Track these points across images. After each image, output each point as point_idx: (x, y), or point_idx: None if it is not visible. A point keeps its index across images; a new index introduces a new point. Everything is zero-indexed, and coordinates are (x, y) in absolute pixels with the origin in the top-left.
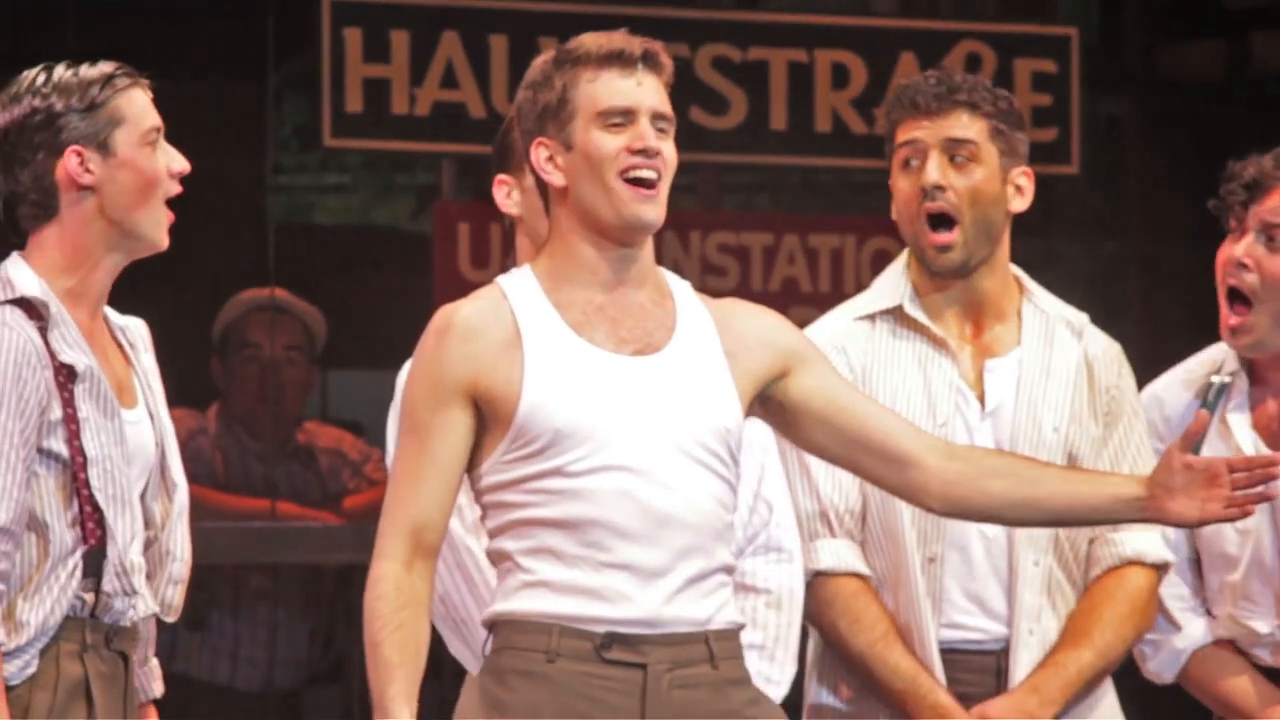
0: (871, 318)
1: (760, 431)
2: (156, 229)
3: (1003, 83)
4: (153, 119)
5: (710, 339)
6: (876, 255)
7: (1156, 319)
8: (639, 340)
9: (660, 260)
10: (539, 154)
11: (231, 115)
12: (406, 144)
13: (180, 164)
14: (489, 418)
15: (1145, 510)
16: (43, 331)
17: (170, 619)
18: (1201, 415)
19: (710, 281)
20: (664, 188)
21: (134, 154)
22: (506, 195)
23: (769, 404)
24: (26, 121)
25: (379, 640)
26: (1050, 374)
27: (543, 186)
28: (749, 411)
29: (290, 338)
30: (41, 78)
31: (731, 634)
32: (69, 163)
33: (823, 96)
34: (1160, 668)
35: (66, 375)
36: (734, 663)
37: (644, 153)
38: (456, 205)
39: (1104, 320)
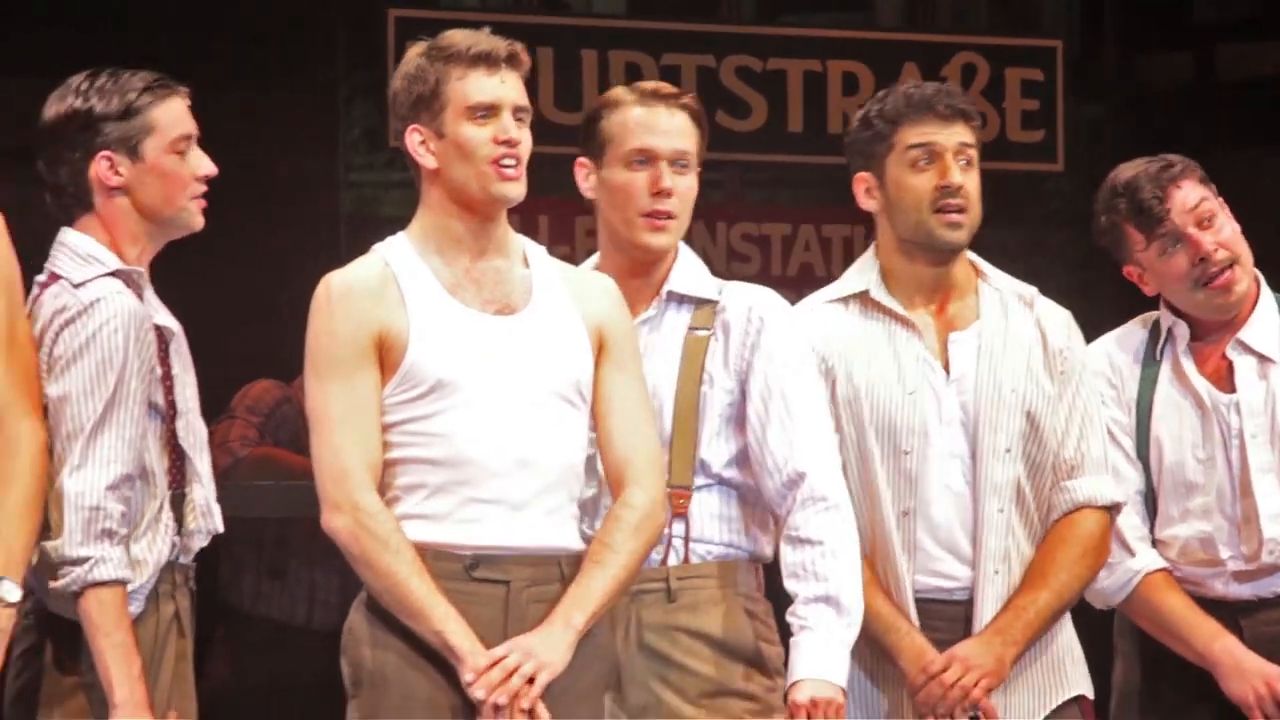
0: (844, 300)
1: (760, 380)
2: (190, 217)
3: (995, 89)
4: (184, 127)
5: (564, 300)
6: None
7: (1131, 300)
8: (499, 301)
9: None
10: (413, 139)
11: (307, 121)
12: None
13: (207, 168)
14: (384, 366)
15: None
16: (138, 297)
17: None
18: None
19: (735, 267)
20: (522, 168)
21: (161, 160)
22: (584, 179)
23: None
24: (67, 122)
25: (412, 575)
26: (1008, 342)
27: (415, 165)
28: None
29: None
30: (86, 82)
31: (580, 557)
32: (99, 167)
33: (834, 102)
34: (1111, 588)
35: (161, 336)
36: None
37: (507, 144)
38: None
39: (1085, 300)
